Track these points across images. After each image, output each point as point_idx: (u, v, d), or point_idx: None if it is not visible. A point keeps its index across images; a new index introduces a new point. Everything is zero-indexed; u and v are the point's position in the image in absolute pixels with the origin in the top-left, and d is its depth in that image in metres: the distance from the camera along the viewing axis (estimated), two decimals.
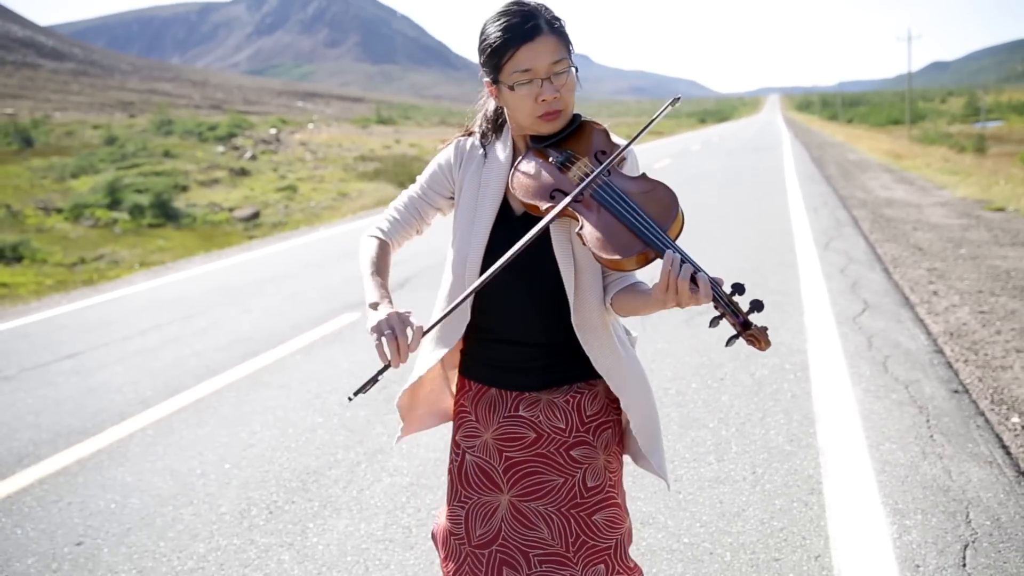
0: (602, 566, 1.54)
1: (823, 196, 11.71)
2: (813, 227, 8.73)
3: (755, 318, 1.28)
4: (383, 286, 1.54)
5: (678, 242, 1.37)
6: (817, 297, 5.56)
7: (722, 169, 17.89)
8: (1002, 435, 3.21)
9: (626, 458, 1.66)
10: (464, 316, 1.58)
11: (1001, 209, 9.44)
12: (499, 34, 1.45)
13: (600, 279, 1.53)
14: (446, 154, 1.64)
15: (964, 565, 2.29)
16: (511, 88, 1.45)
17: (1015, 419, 3.37)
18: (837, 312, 5.11)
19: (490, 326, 1.59)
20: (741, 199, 11.80)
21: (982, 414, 3.42)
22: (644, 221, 1.36)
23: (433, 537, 1.73)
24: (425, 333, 1.41)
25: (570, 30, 1.51)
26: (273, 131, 37.23)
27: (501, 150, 1.58)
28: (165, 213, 16.84)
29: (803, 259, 6.99)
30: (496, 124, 1.62)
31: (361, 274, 1.56)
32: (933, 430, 3.23)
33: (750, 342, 1.28)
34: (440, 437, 3.52)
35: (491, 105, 1.63)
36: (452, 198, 1.63)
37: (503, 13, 1.47)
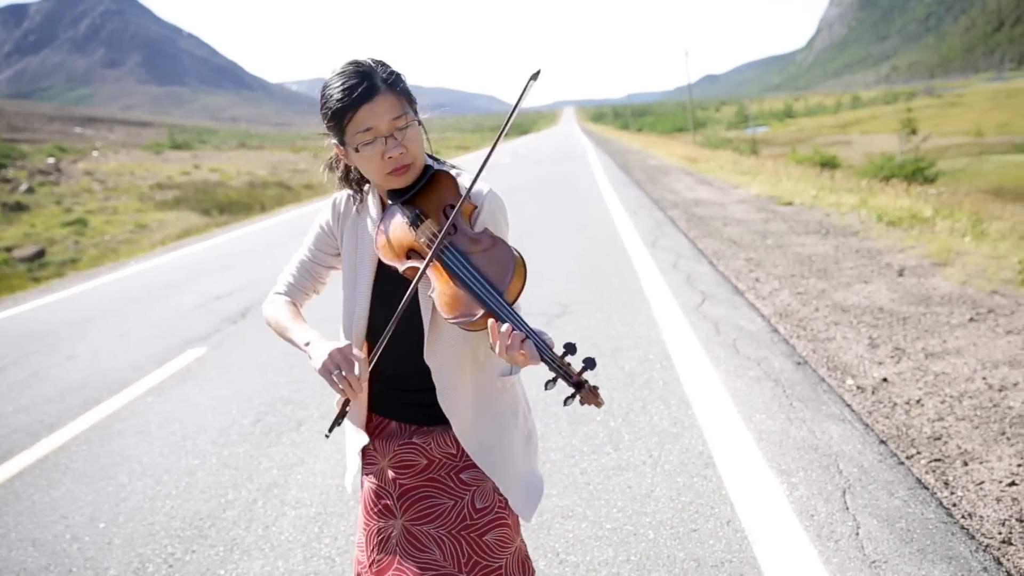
0: None
1: (638, 199, 12.58)
2: (637, 228, 9.36)
3: (588, 375, 1.33)
4: (306, 327, 1.57)
5: (516, 305, 1.40)
6: (659, 292, 5.99)
7: (536, 179, 18.62)
8: (843, 396, 3.67)
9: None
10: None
11: (790, 203, 10.66)
12: (338, 97, 1.45)
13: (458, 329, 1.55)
14: (325, 215, 1.65)
15: (847, 508, 2.61)
16: (356, 150, 1.46)
17: (849, 381, 3.86)
18: (681, 303, 5.55)
19: (385, 369, 1.60)
20: (565, 206, 12.38)
21: (824, 380, 3.88)
22: (482, 286, 1.39)
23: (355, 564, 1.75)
24: (377, 350, 1.46)
25: (406, 82, 1.51)
26: (51, 160, 33.75)
27: (372, 204, 1.60)
28: None
29: (636, 258, 7.49)
30: (360, 183, 1.62)
31: (282, 328, 1.59)
32: (791, 398, 3.63)
33: (584, 401, 1.33)
34: (336, 463, 3.42)
35: (345, 169, 1.62)
36: (339, 254, 1.65)
37: (340, 75, 1.47)
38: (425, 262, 1.42)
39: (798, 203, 10.56)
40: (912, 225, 7.96)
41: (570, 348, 1.32)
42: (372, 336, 1.59)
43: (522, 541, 1.67)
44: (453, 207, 1.48)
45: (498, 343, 1.33)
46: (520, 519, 1.65)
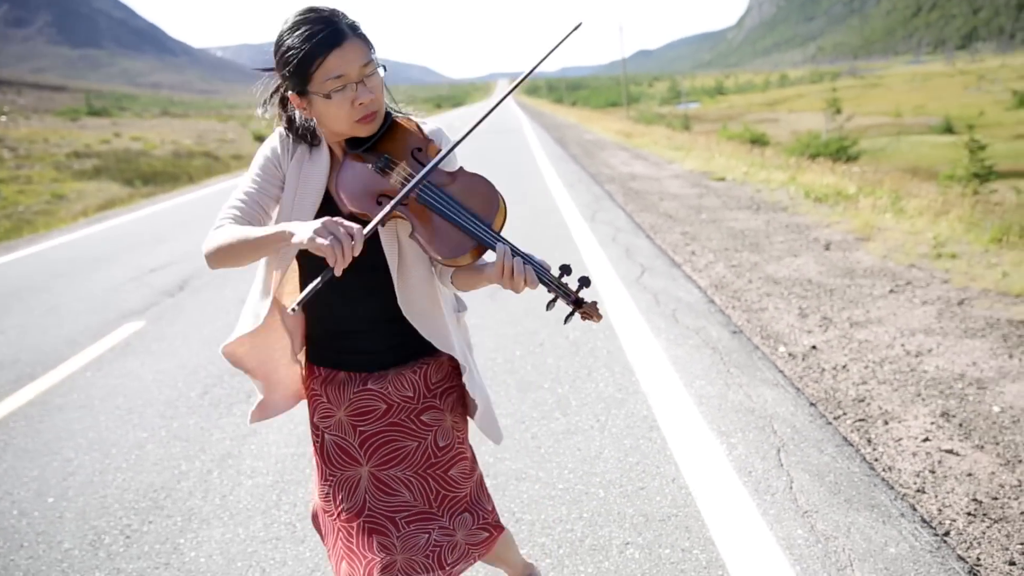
0: (467, 514, 1.69)
1: (575, 174, 12.74)
2: (576, 202, 9.51)
3: (584, 294, 1.42)
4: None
5: (504, 231, 1.46)
6: (599, 264, 6.15)
7: (474, 152, 18.59)
8: (776, 362, 3.89)
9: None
10: (266, 303, 1.61)
11: (722, 179, 10.99)
12: (302, 44, 1.41)
13: (424, 264, 1.58)
14: (271, 143, 1.59)
15: (782, 465, 2.81)
16: (327, 96, 1.43)
17: (781, 349, 4.09)
18: (621, 275, 5.72)
19: (331, 317, 1.63)
20: (502, 179, 12.37)
21: (758, 348, 4.10)
22: (469, 218, 1.42)
23: (313, 519, 1.81)
24: (365, 234, 1.36)
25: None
26: None
27: (318, 154, 1.57)
28: None
29: (576, 231, 7.64)
30: (307, 134, 1.58)
31: (240, 238, 1.44)
32: (728, 365, 3.83)
33: (584, 317, 1.42)
34: (289, 432, 3.46)
35: (297, 120, 1.57)
36: (281, 190, 1.58)
37: (301, 23, 1.42)
38: (400, 195, 1.40)
39: (730, 179, 10.89)
40: (837, 202, 8.34)
41: (565, 269, 1.40)
42: (303, 282, 1.59)
43: (480, 469, 1.78)
44: (420, 150, 1.51)
45: (500, 269, 1.38)
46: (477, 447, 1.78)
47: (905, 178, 11.52)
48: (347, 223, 1.33)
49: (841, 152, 18.38)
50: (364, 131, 1.49)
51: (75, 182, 20.65)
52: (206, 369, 4.42)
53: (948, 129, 29.11)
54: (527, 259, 1.41)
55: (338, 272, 1.32)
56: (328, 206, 1.55)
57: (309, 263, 1.57)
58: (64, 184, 20.19)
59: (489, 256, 1.48)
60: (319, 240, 1.30)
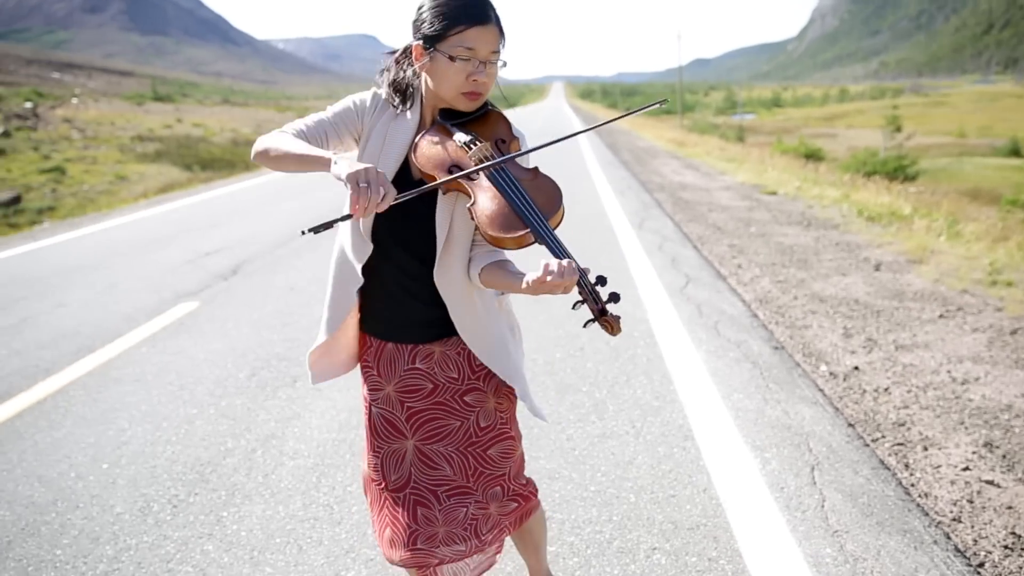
0: (498, 488, 1.80)
1: (625, 180, 12.71)
2: (625, 209, 9.51)
3: (612, 307, 1.48)
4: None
5: (556, 232, 1.53)
6: (645, 272, 6.16)
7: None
8: (817, 381, 3.86)
9: None
10: (356, 279, 1.70)
11: (774, 193, 10.86)
12: (456, 7, 1.53)
13: (468, 248, 1.65)
14: (362, 96, 1.69)
15: (815, 483, 2.80)
16: (451, 59, 1.54)
17: (823, 368, 4.06)
18: (665, 285, 5.72)
19: (380, 286, 1.72)
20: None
21: (799, 365, 4.08)
22: (530, 207, 1.51)
23: (364, 485, 1.92)
24: (395, 202, 1.44)
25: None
26: (29, 105, 33.03)
27: (410, 116, 1.66)
28: None
29: (623, 239, 7.65)
30: (404, 94, 1.67)
31: (291, 148, 1.53)
32: (767, 380, 3.82)
33: (604, 327, 1.48)
34: (332, 418, 3.56)
35: (402, 74, 1.67)
36: (357, 140, 1.68)
37: None
38: (474, 168, 1.52)
39: (782, 193, 10.76)
40: (891, 222, 8.19)
41: (602, 280, 1.48)
42: (375, 240, 1.66)
43: (522, 449, 1.86)
44: (504, 141, 1.63)
45: (546, 267, 1.42)
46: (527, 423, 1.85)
47: (964, 201, 11.24)
48: (386, 181, 1.41)
49: (899, 171, 18.00)
50: (463, 105, 1.60)
51: (137, 164, 21.32)
52: (255, 352, 4.57)
53: (1015, 151, 28.25)
54: (572, 260, 1.47)
55: (357, 218, 1.43)
56: (406, 168, 1.65)
57: (383, 227, 1.65)
58: (127, 166, 20.86)
59: (522, 257, 1.54)
60: (356, 181, 1.39)
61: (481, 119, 1.65)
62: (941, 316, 4.81)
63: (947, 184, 17.61)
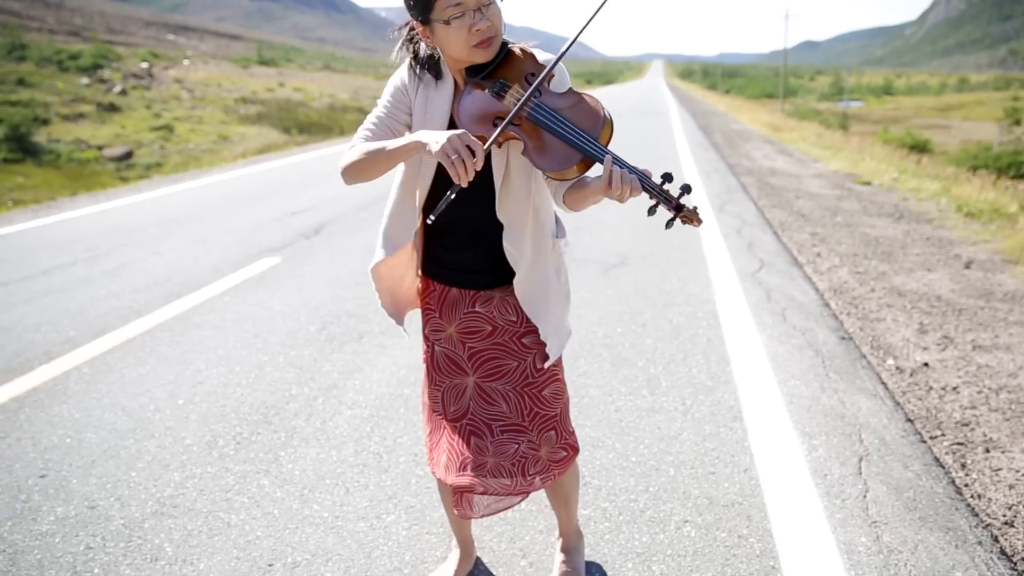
0: (552, 432, 1.89)
1: (713, 163, 12.44)
2: (708, 191, 9.33)
3: (685, 200, 1.49)
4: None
5: (610, 145, 1.58)
6: (718, 255, 6.07)
7: (616, 132, 18.47)
8: (881, 374, 3.75)
9: None
10: (413, 220, 1.79)
11: (868, 183, 10.41)
12: None
13: (526, 185, 1.72)
14: (400, 75, 1.75)
15: (860, 473, 2.75)
16: (446, 23, 1.56)
17: (890, 361, 3.93)
18: (738, 268, 5.62)
19: (443, 233, 1.82)
20: (638, 162, 12.32)
21: (864, 357, 3.97)
22: (577, 133, 1.53)
23: (424, 414, 2.02)
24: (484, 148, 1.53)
25: None
26: (144, 65, 34.78)
27: (441, 83, 1.71)
28: (23, 148, 15.60)
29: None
30: (432, 66, 1.72)
31: (374, 151, 1.63)
32: (828, 369, 3.73)
33: (685, 221, 1.50)
34: (392, 374, 3.71)
35: (420, 50, 1.72)
36: (410, 115, 1.75)
37: None
38: (508, 117, 1.54)
39: (876, 184, 10.31)
40: (992, 219, 7.74)
41: (667, 177, 1.51)
42: (431, 201, 1.75)
43: (568, 394, 1.95)
44: (533, 74, 1.63)
45: (607, 179, 1.49)
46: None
47: None
48: (472, 138, 1.50)
49: (1011, 167, 16.88)
50: (480, 56, 1.62)
51: (239, 126, 22.24)
52: (327, 308, 4.77)
53: None
54: (631, 169, 1.52)
55: (463, 184, 1.49)
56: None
57: (438, 179, 1.74)
58: (230, 127, 21.80)
59: (595, 171, 1.60)
60: (447, 155, 1.48)
61: (505, 61, 1.65)
62: None
63: None
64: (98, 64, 31.30)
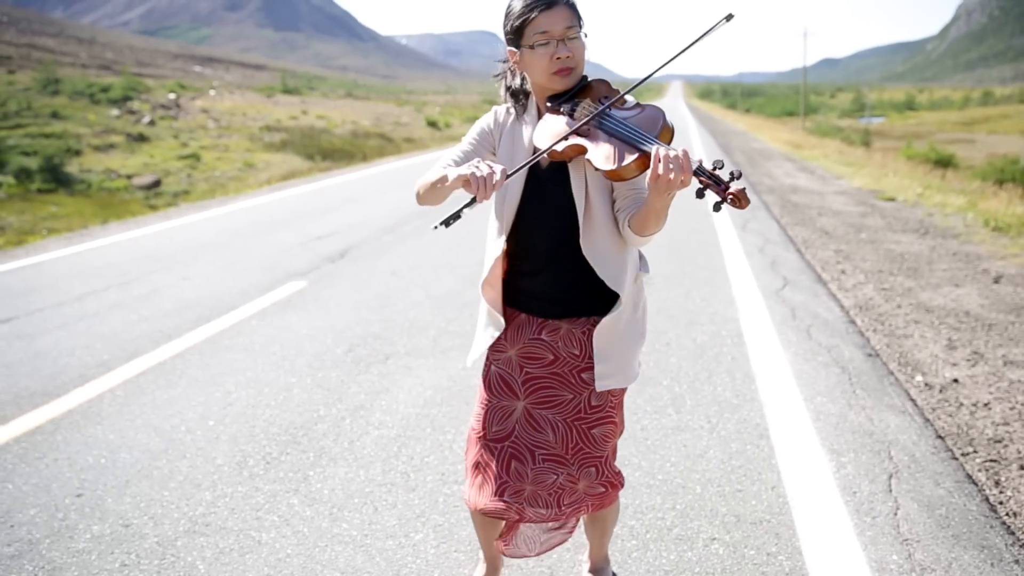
0: (593, 469, 1.90)
1: None
2: (729, 210, 9.32)
3: (734, 183, 1.51)
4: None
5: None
6: (742, 273, 6.06)
7: None
8: (909, 390, 3.72)
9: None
10: (499, 244, 1.85)
11: (892, 199, 10.34)
12: (523, 5, 1.71)
13: (609, 212, 1.76)
14: (487, 119, 1.89)
15: (890, 491, 2.73)
16: (531, 48, 1.70)
17: (919, 378, 3.90)
18: (762, 286, 5.61)
19: (520, 261, 1.87)
20: None
21: (892, 374, 3.94)
22: (638, 133, 1.61)
23: (468, 438, 2.03)
24: (508, 176, 1.62)
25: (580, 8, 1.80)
26: (172, 96, 35.54)
27: (528, 115, 1.84)
28: (56, 178, 15.98)
29: (724, 239, 7.52)
30: (522, 94, 1.86)
31: (431, 181, 1.74)
32: (855, 386, 3.71)
33: (733, 203, 1.51)
34: (418, 395, 3.74)
35: (515, 81, 1.87)
36: (495, 154, 1.88)
37: None
38: (583, 121, 1.64)
39: (901, 200, 10.24)
40: (1021, 232, 7.66)
41: (718, 163, 1.54)
42: (518, 227, 1.82)
43: (618, 439, 1.96)
44: (608, 97, 1.73)
45: (655, 164, 1.51)
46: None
47: None
48: (493, 164, 1.58)
49: None
50: (559, 83, 1.73)
51: (264, 153, 22.62)
52: (353, 330, 4.83)
53: None
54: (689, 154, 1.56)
55: (480, 200, 1.56)
56: (535, 164, 1.79)
57: (526, 209, 1.80)
58: (255, 154, 22.18)
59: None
60: (463, 174, 1.57)
61: (583, 90, 1.76)
62: None
63: None
64: (128, 96, 32.08)
